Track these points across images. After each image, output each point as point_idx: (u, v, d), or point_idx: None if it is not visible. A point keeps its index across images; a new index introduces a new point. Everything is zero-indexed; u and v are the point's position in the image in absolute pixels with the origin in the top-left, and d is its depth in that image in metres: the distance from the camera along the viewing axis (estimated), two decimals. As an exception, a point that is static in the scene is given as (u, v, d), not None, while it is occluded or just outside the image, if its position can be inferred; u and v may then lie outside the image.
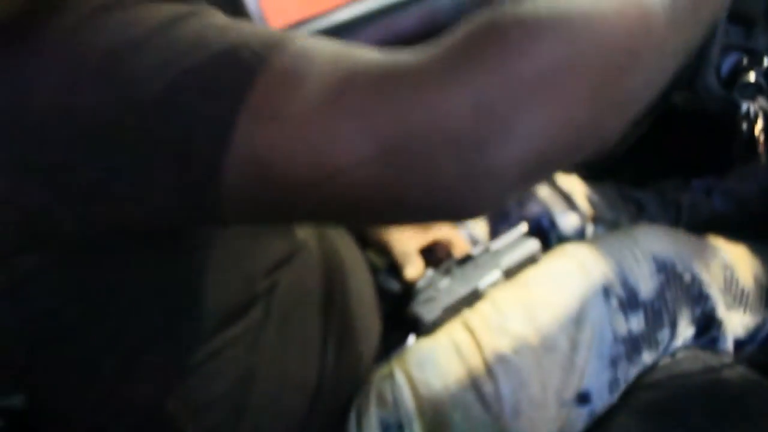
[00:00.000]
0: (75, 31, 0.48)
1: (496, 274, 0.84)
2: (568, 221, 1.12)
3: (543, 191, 1.12)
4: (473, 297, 0.84)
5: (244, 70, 0.45)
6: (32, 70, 0.48)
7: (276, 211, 0.50)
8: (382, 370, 0.80)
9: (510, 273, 0.84)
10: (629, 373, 0.80)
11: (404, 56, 0.45)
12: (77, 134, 0.47)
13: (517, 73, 0.41)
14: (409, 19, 1.54)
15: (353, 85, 0.45)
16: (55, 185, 0.50)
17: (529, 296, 0.81)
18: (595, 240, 0.88)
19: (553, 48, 0.42)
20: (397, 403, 0.75)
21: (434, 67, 0.43)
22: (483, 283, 0.85)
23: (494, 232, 1.08)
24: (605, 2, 0.44)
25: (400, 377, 0.77)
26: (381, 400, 0.76)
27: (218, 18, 0.50)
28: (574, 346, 0.77)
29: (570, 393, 0.76)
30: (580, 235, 1.13)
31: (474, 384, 0.75)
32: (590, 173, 1.20)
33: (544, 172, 0.47)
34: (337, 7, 1.63)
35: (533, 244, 0.87)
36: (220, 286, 0.64)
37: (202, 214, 0.50)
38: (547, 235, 1.11)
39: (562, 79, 0.42)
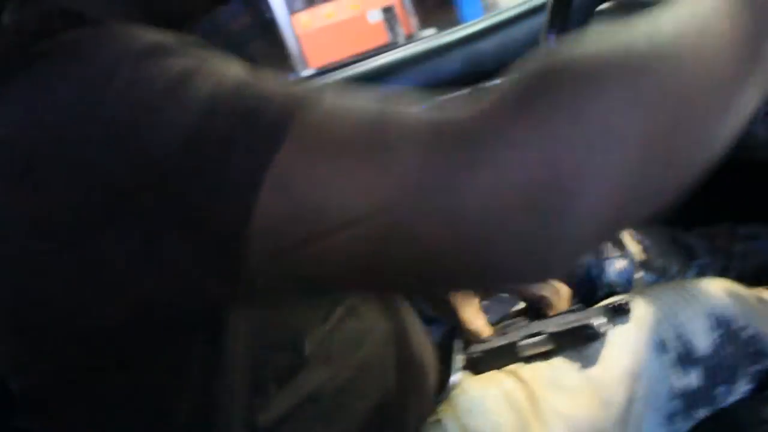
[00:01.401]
0: (90, 83, 0.45)
1: (539, 337, 0.80)
2: (616, 267, 1.11)
3: None
4: (509, 350, 0.82)
5: (269, 130, 0.42)
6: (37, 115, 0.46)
7: (311, 282, 0.45)
8: (429, 417, 0.79)
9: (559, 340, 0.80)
10: (684, 427, 0.79)
11: (454, 109, 0.41)
12: (91, 199, 0.44)
13: (584, 122, 0.38)
14: (453, 63, 1.56)
15: (397, 143, 0.40)
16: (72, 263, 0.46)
17: (583, 350, 0.80)
18: (649, 292, 0.86)
19: (619, 94, 0.39)
20: None
21: (493, 120, 0.39)
22: (524, 341, 0.81)
23: None
24: (677, 33, 0.41)
25: (451, 425, 0.75)
26: None
27: (232, 69, 0.46)
28: (629, 400, 0.75)
29: None
30: (628, 282, 1.11)
31: None
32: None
33: (621, 226, 0.44)
34: (379, 50, 1.66)
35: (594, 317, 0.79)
36: (263, 349, 0.60)
37: (226, 288, 0.45)
38: (594, 281, 1.10)
39: (632, 126, 0.39)
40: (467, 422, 0.75)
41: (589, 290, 1.09)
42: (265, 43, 6.20)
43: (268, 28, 6.18)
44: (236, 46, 6.03)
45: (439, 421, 0.77)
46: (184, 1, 0.64)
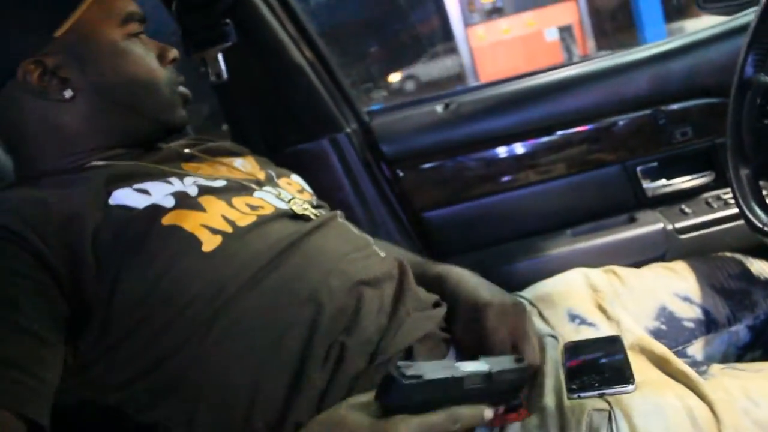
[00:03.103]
0: None
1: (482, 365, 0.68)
2: None
3: None
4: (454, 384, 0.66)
5: None
6: None
7: None
8: (595, 402, 0.77)
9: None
10: None
11: None
12: None
13: None
14: (638, 82, 1.51)
15: None
16: None
17: None
18: None
19: None
20: None
21: None
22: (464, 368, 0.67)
23: (734, 318, 1.03)
24: None
25: (620, 419, 0.74)
26: None
27: None
28: None
29: None
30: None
31: None
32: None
33: None
34: (557, 66, 1.64)
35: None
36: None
37: None
38: None
39: None
40: (640, 424, 0.73)
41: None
42: (446, 49, 6.31)
43: (450, 36, 6.28)
44: (420, 48, 6.19)
45: (608, 411, 0.75)
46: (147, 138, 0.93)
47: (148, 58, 0.91)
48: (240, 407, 0.71)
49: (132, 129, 0.91)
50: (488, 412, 0.67)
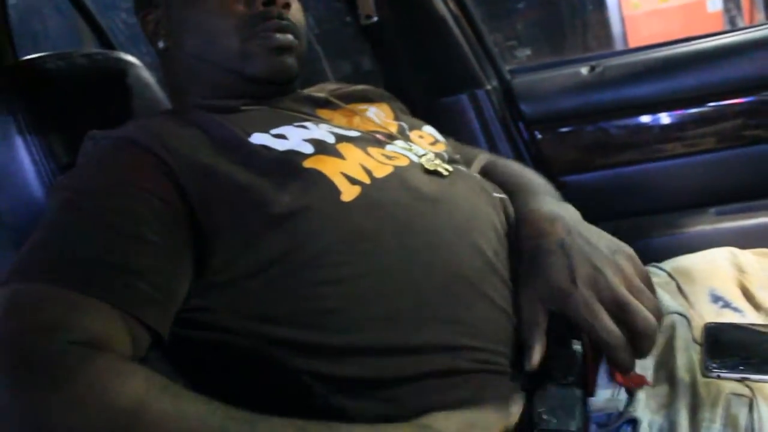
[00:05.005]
0: None
1: None
2: None
3: None
4: None
5: None
6: None
7: None
8: (734, 386, 0.73)
9: None
10: None
11: None
12: None
13: None
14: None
15: None
16: None
17: None
18: None
19: None
20: None
21: None
22: None
23: None
24: None
25: (764, 409, 0.70)
26: (731, 421, 0.70)
27: None
28: None
29: None
30: None
31: None
32: None
33: None
34: (714, 33, 1.55)
35: None
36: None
37: None
38: None
39: None
40: None
41: None
42: (598, 14, 6.08)
43: (602, 2, 6.04)
44: (569, 10, 5.99)
45: (749, 398, 0.71)
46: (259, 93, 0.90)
47: (218, 5, 0.87)
48: None
49: (216, 80, 0.90)
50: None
